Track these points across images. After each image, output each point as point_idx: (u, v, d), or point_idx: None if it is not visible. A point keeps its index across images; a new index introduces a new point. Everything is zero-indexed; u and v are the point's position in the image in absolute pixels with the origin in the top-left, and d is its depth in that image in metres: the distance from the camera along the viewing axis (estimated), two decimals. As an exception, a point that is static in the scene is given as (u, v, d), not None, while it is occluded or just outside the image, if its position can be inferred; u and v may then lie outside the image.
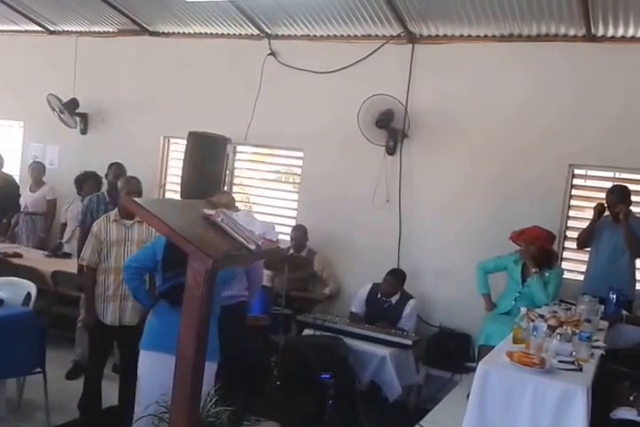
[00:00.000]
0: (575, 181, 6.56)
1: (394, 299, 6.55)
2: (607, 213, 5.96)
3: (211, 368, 3.96)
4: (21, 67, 9.48)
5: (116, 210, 5.04)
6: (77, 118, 8.90)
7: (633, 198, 5.97)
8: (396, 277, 6.59)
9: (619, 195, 5.85)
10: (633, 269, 5.90)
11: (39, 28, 9.32)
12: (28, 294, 5.11)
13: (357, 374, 5.89)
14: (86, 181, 7.54)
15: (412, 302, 6.51)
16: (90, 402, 5.02)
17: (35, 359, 4.79)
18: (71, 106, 8.73)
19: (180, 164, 7.56)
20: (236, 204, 5.80)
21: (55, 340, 5.78)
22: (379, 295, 6.58)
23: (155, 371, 3.92)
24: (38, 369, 4.83)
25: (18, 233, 8.24)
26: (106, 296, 4.87)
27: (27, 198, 8.17)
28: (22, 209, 8.13)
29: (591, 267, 6.03)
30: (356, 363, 5.91)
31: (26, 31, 9.52)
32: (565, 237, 6.57)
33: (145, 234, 4.97)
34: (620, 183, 6.11)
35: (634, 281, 5.92)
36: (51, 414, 4.92)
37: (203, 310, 2.56)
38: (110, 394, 5.07)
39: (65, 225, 7.80)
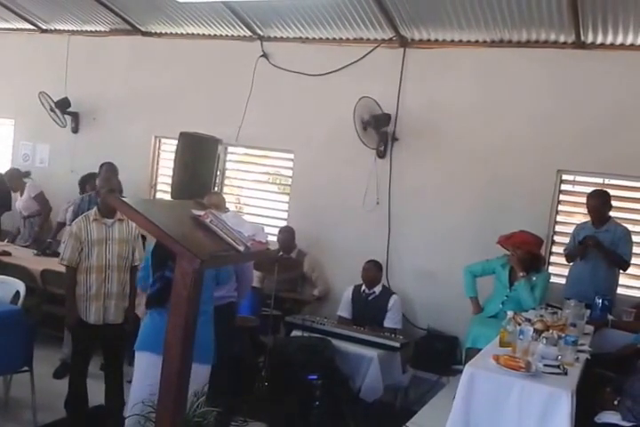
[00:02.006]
0: (563, 187, 6.61)
1: (377, 289, 6.66)
2: (589, 219, 6.05)
3: (204, 371, 3.99)
4: (13, 65, 9.47)
5: (95, 209, 5.01)
6: (69, 117, 8.89)
7: (620, 204, 6.03)
8: (372, 262, 6.74)
9: (599, 199, 5.92)
10: (613, 275, 5.97)
11: (31, 27, 9.32)
12: (17, 293, 5.11)
13: (346, 375, 5.91)
14: (88, 182, 7.53)
15: (395, 297, 6.60)
16: (76, 401, 5.01)
17: (22, 358, 4.79)
18: (63, 105, 8.72)
19: (171, 164, 7.55)
20: (227, 205, 5.82)
21: (44, 338, 5.78)
22: (362, 289, 6.70)
23: (145, 371, 3.93)
24: (26, 368, 4.84)
25: (18, 238, 8.21)
26: (89, 296, 4.86)
27: (18, 204, 8.15)
28: (21, 215, 8.11)
29: (573, 272, 6.09)
30: (343, 365, 5.93)
31: (18, 29, 9.51)
32: (553, 242, 6.62)
33: (126, 232, 4.97)
34: (601, 188, 6.15)
35: (615, 286, 5.99)
36: (37, 413, 4.92)
37: (190, 309, 2.57)
38: (97, 393, 5.07)
39: (62, 224, 7.77)
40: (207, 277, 3.78)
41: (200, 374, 3.81)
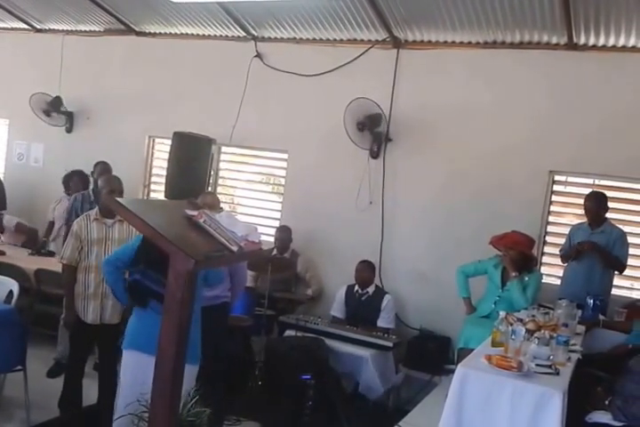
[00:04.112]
0: (555, 188, 6.64)
1: (370, 289, 6.69)
2: (584, 220, 6.07)
3: (191, 372, 3.99)
4: (7, 64, 9.45)
5: (96, 209, 5.02)
6: (63, 117, 8.87)
7: (612, 205, 6.06)
8: (365, 263, 6.77)
9: (596, 201, 5.96)
10: (608, 276, 6.00)
11: (25, 26, 9.30)
12: (11, 292, 5.10)
13: (339, 375, 5.93)
14: (72, 179, 7.53)
15: (388, 297, 6.64)
16: (70, 400, 5.02)
17: (16, 357, 4.79)
18: (55, 104, 8.71)
19: (165, 163, 7.56)
20: (221, 204, 5.83)
21: (37, 338, 5.78)
22: (355, 290, 6.72)
23: (132, 370, 3.95)
24: (19, 367, 4.83)
25: None
26: (86, 295, 4.87)
27: (4, 239, 8.14)
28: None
29: (568, 273, 6.12)
30: (336, 364, 5.95)
31: (12, 29, 9.48)
32: (545, 243, 6.66)
33: (125, 233, 4.97)
34: (598, 190, 6.19)
35: (609, 287, 6.02)
36: (31, 412, 4.92)
37: (183, 311, 2.57)
38: (91, 392, 5.07)
39: (52, 223, 7.78)
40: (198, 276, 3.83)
41: (188, 375, 3.82)
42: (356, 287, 6.71)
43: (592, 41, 6.27)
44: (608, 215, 6.04)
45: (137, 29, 8.58)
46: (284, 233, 7.30)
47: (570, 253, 6.04)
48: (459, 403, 3.80)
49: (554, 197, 6.65)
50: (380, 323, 6.52)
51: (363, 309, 6.61)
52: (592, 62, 6.33)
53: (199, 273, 3.96)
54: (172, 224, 2.90)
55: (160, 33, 8.51)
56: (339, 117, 6.87)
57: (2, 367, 4.84)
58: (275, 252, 7.16)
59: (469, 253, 6.23)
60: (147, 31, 8.58)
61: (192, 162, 7.26)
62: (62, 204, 7.55)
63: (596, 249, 5.82)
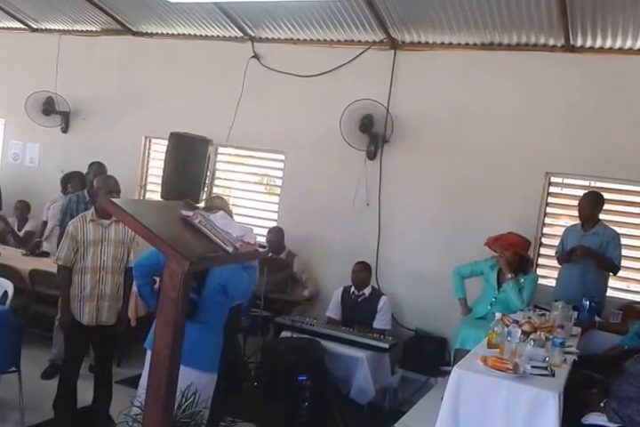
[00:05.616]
0: (552, 189, 6.64)
1: (367, 291, 6.69)
2: (578, 221, 6.07)
3: (210, 380, 4.01)
4: (3, 64, 9.41)
5: (92, 209, 5.00)
6: (58, 117, 8.85)
7: (608, 207, 6.07)
8: (362, 264, 6.76)
9: (589, 199, 5.98)
10: (602, 277, 6.00)
11: (21, 26, 9.28)
12: (5, 293, 5.09)
13: (335, 376, 5.92)
14: (70, 180, 7.51)
15: (384, 298, 6.64)
16: (65, 402, 4.99)
17: (10, 358, 4.77)
18: (51, 104, 8.68)
19: (161, 164, 7.53)
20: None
21: (32, 339, 5.77)
22: (351, 291, 6.72)
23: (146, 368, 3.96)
24: (13, 368, 4.82)
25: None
26: (82, 296, 4.85)
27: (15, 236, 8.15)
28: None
29: (562, 275, 6.12)
30: (332, 365, 5.94)
31: (8, 28, 9.46)
32: (541, 244, 6.65)
33: (122, 234, 4.96)
34: (595, 190, 6.19)
35: (604, 289, 6.03)
36: (25, 414, 4.91)
37: (178, 311, 2.56)
38: (86, 394, 5.06)
39: (46, 223, 7.76)
40: (215, 290, 3.97)
41: (206, 383, 3.84)
42: (353, 289, 6.70)
43: (589, 43, 6.28)
44: (605, 217, 6.05)
45: (134, 29, 8.57)
46: (275, 234, 7.29)
47: (563, 259, 6.05)
48: (455, 404, 3.80)
49: (550, 199, 6.65)
50: (376, 324, 6.52)
51: (359, 310, 6.61)
52: (589, 64, 6.33)
53: (219, 287, 3.98)
54: (168, 225, 2.89)
55: (157, 33, 8.50)
56: (336, 118, 6.88)
57: (-4, 368, 4.84)
58: (270, 253, 7.14)
59: (466, 254, 6.23)
60: (144, 31, 8.56)
61: (189, 162, 7.24)
62: (58, 203, 7.53)
63: (588, 253, 5.82)
